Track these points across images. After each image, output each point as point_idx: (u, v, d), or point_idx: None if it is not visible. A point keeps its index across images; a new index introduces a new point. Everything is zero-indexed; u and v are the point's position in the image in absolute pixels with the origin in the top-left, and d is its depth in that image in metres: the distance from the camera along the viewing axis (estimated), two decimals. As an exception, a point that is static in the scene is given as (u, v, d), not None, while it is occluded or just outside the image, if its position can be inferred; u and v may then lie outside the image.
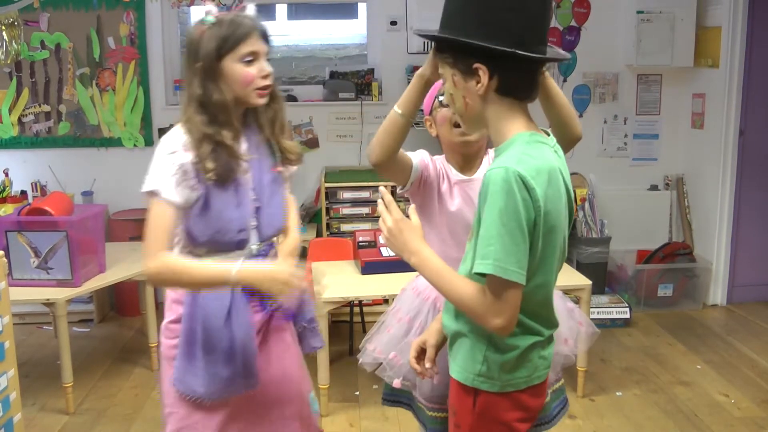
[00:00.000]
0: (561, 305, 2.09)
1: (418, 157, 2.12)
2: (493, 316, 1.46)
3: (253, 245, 1.98)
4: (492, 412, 1.58)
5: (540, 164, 1.47)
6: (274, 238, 2.06)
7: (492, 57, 1.43)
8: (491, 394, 1.57)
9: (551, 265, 1.55)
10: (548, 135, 1.60)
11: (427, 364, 1.80)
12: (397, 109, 1.87)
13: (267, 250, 2.02)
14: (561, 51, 1.57)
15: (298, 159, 2.09)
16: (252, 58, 1.88)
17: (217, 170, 1.85)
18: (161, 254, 1.83)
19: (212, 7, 1.89)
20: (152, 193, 1.84)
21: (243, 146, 1.95)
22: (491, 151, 2.16)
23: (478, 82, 1.47)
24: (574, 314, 2.27)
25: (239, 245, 1.95)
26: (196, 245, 1.93)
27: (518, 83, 1.50)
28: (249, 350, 1.97)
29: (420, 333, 2.08)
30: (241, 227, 1.93)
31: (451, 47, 1.50)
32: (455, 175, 2.14)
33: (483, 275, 1.45)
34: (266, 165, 2.01)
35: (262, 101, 1.94)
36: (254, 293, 1.96)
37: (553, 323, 1.64)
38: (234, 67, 1.86)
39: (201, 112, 1.87)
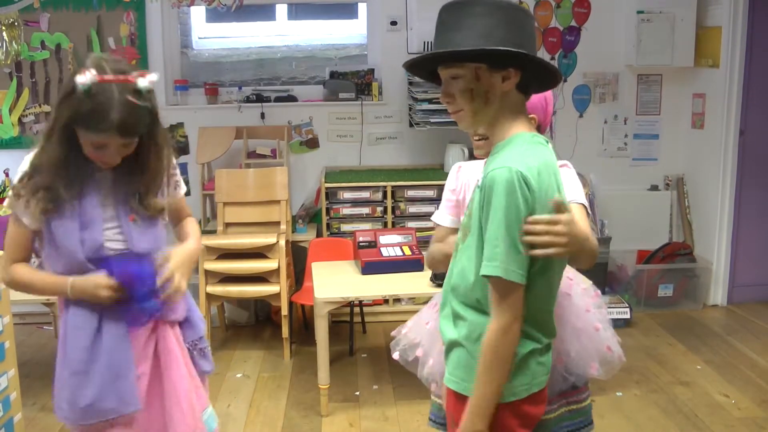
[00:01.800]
0: (587, 325, 2.05)
1: (446, 212, 2.10)
2: (496, 317, 1.48)
3: None
4: (492, 422, 1.56)
5: (540, 164, 1.50)
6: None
7: (522, 63, 1.54)
8: None
9: (552, 270, 1.55)
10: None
11: None
12: None
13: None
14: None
15: (156, 215, 1.95)
16: (100, 147, 1.79)
17: (40, 205, 1.82)
18: (11, 267, 1.91)
19: (91, 76, 1.72)
20: (11, 214, 1.89)
21: (89, 184, 1.87)
22: None
23: (505, 79, 1.53)
24: (602, 337, 2.11)
25: (81, 267, 1.87)
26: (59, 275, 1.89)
27: (531, 82, 1.59)
28: (121, 371, 1.87)
29: None
30: (97, 257, 1.85)
31: (490, 57, 1.52)
32: None
33: (488, 277, 1.48)
34: (126, 212, 1.91)
35: (105, 168, 1.86)
36: (127, 303, 1.90)
37: (551, 331, 1.63)
38: (83, 138, 1.78)
39: (61, 142, 1.80)
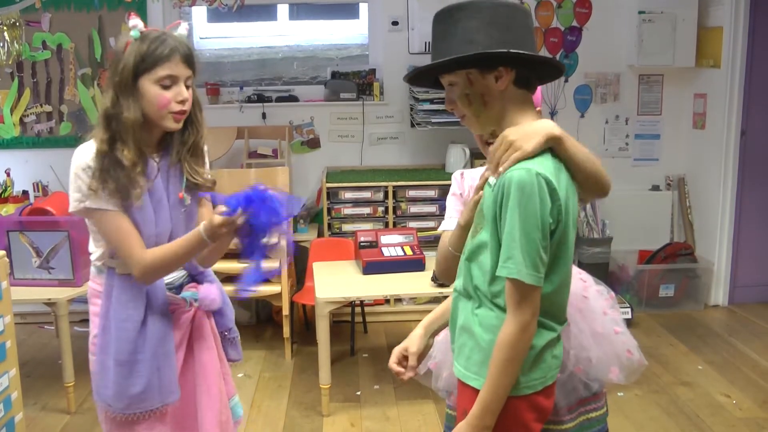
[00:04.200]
0: (608, 329, 2.00)
1: (455, 217, 2.01)
2: (514, 316, 1.49)
3: None
4: (509, 416, 1.57)
5: (558, 163, 1.52)
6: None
7: (511, 61, 1.53)
8: (508, 398, 1.55)
9: (568, 262, 1.57)
10: None
11: (410, 373, 1.80)
12: (450, 249, 1.81)
13: (188, 267, 2.04)
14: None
15: (207, 185, 1.99)
16: (170, 82, 1.81)
17: (114, 189, 1.81)
18: (142, 257, 1.84)
19: (138, 21, 1.83)
20: (93, 210, 1.82)
21: (152, 168, 1.89)
22: None
23: (498, 78, 1.54)
24: (623, 341, 2.04)
25: None
26: (111, 258, 1.91)
27: (530, 76, 1.59)
28: (165, 362, 1.92)
29: None
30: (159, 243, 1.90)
31: (478, 61, 1.53)
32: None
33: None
34: (175, 189, 1.94)
35: (177, 126, 1.87)
36: (177, 292, 1.98)
37: (563, 319, 1.65)
38: (149, 88, 1.80)
39: (105, 126, 1.81)
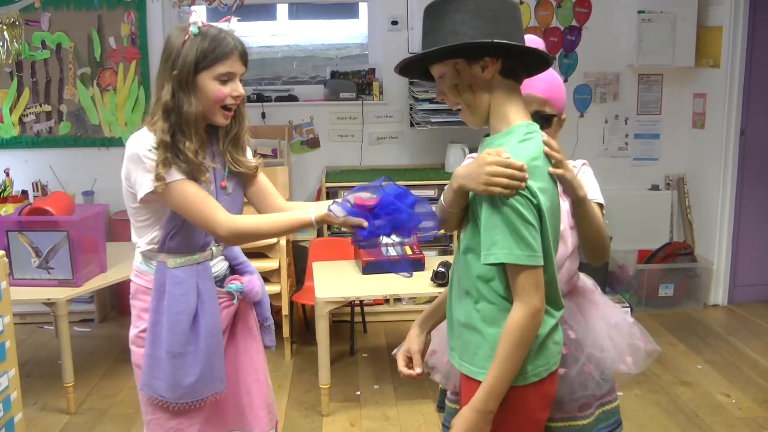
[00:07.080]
0: (621, 319, 2.01)
1: None
2: (522, 302, 1.51)
3: (214, 247, 2.05)
4: (518, 406, 1.58)
5: (535, 153, 1.55)
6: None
7: (496, 51, 1.56)
8: (517, 388, 1.56)
9: (554, 249, 1.59)
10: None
11: (418, 370, 1.83)
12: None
13: (225, 253, 2.12)
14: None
15: (251, 173, 2.08)
16: (227, 78, 1.90)
17: (184, 169, 1.88)
18: (227, 219, 1.89)
19: (198, 18, 1.88)
20: (173, 183, 1.86)
21: (210, 156, 1.97)
22: None
23: (484, 68, 1.56)
24: (634, 330, 2.04)
25: (203, 247, 2.01)
26: (163, 246, 1.97)
27: (517, 66, 1.61)
28: (216, 354, 1.99)
29: None
30: None
31: (464, 52, 1.57)
32: None
33: (494, 266, 1.52)
34: (218, 178, 2.01)
35: (225, 122, 1.96)
36: (222, 287, 2.06)
37: (560, 304, 1.66)
38: (208, 83, 1.88)
39: (165, 118, 1.87)
